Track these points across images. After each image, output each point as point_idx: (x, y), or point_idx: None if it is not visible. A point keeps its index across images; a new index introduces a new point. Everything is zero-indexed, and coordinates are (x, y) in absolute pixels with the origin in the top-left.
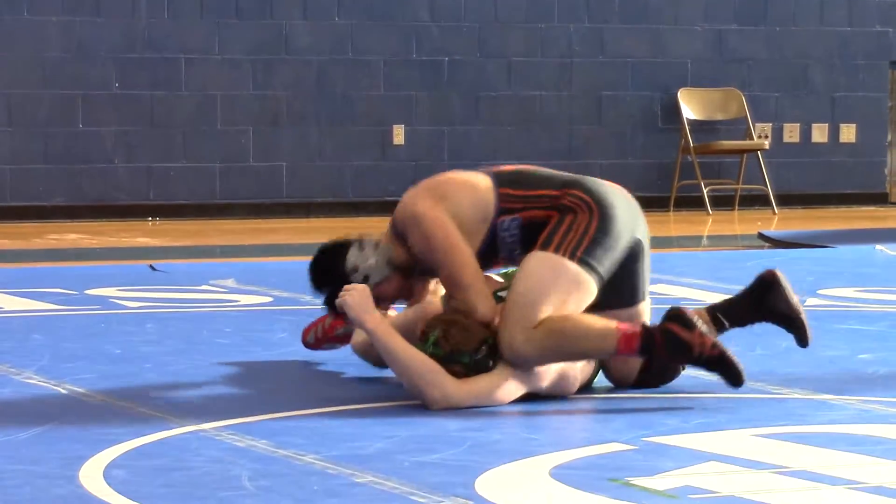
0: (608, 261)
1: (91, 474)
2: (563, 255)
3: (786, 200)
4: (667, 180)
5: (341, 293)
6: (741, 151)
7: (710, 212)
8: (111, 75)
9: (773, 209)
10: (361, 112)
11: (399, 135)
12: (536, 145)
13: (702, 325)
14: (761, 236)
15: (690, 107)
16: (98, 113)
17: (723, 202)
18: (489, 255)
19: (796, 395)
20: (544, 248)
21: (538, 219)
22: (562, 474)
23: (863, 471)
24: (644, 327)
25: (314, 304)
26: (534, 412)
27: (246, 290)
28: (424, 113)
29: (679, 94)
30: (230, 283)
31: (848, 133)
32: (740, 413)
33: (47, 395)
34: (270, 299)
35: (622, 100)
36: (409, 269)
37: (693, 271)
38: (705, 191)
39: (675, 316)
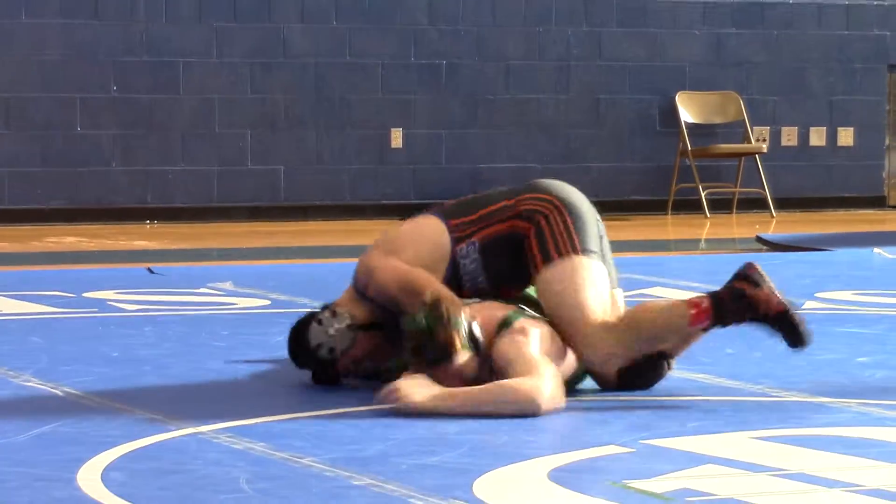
0: (595, 241)
1: (89, 477)
2: (566, 255)
3: (784, 204)
4: (665, 184)
5: (391, 396)
6: (739, 155)
7: (708, 215)
8: (109, 78)
9: (771, 212)
10: (359, 115)
11: (397, 138)
12: (534, 148)
13: (771, 283)
14: (759, 239)
15: (688, 110)
16: (96, 116)
17: (721, 205)
18: (453, 289)
19: (794, 398)
20: (547, 261)
21: (497, 234)
22: (560, 477)
23: (861, 474)
24: (711, 296)
25: (312, 307)
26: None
27: (244, 293)
28: (422, 116)
29: (677, 97)
30: (228, 285)
31: (846, 136)
32: (738, 416)
33: (45, 398)
34: (268, 302)
35: (620, 103)
36: (373, 325)
37: (691, 274)
38: (703, 194)
39: (744, 274)
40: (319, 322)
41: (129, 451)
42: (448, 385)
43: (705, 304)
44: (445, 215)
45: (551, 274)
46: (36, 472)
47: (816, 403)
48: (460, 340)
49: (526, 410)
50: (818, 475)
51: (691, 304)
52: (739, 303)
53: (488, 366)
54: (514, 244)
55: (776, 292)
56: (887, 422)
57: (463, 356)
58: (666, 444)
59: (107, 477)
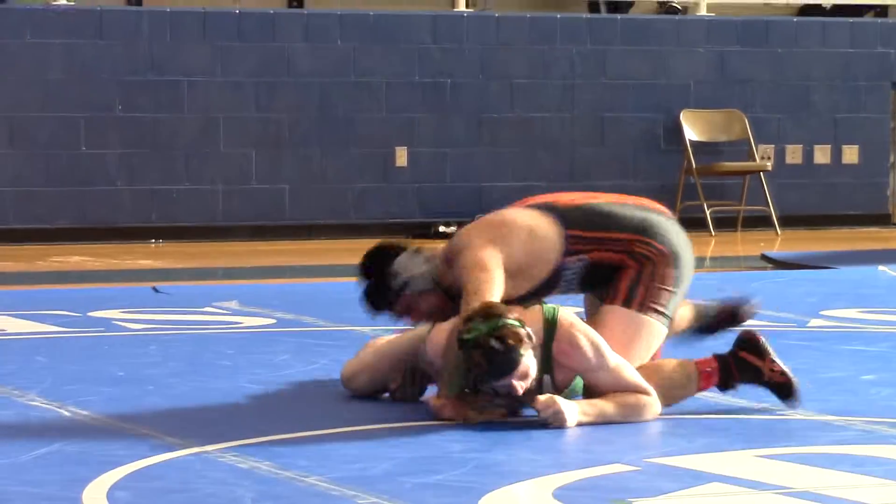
0: (676, 304)
1: (94, 496)
2: (642, 310)
3: (789, 222)
4: (669, 202)
5: (551, 411)
6: (744, 173)
7: (714, 233)
8: (114, 98)
9: (776, 230)
10: (364, 134)
11: (402, 157)
12: (539, 167)
13: (772, 351)
14: (764, 257)
15: (693, 128)
16: (101, 135)
17: (726, 223)
18: (541, 291)
19: (799, 416)
20: (627, 304)
21: (606, 261)
22: (565, 495)
23: (866, 492)
24: (719, 361)
25: (317, 326)
26: (536, 433)
27: (249, 312)
28: (427, 135)
29: (681, 115)
30: (233, 304)
31: (850, 154)
32: (743, 434)
33: (50, 417)
34: (273, 321)
35: (625, 121)
36: (448, 292)
37: (696, 293)
38: (708, 212)
39: (747, 342)
40: (415, 254)
41: (135, 471)
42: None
43: (713, 371)
44: (566, 222)
45: (621, 314)
46: (41, 491)
47: (822, 422)
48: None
49: (648, 419)
50: (823, 493)
51: (701, 370)
52: (745, 373)
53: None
54: (614, 271)
55: (777, 361)
56: (892, 440)
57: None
58: (671, 463)
59: (112, 496)
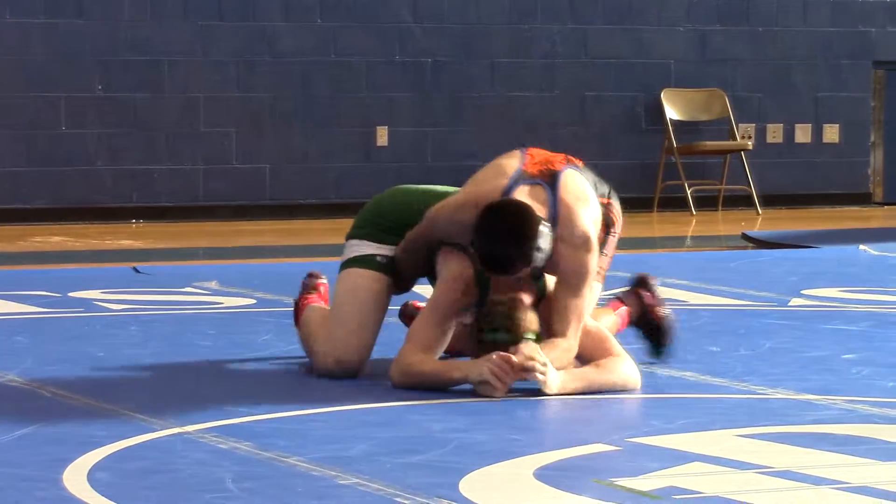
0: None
1: (75, 477)
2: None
3: (769, 201)
4: (650, 181)
5: (533, 373)
6: (725, 152)
7: (694, 212)
8: (94, 78)
9: (756, 210)
10: (345, 114)
11: (382, 136)
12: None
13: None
14: (745, 237)
15: (674, 107)
16: (81, 115)
17: (706, 203)
18: None
19: (780, 396)
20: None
21: None
22: (546, 475)
23: (847, 471)
24: (624, 301)
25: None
26: (517, 413)
27: (229, 293)
28: (408, 114)
29: (662, 94)
30: (213, 285)
31: (831, 133)
32: (724, 413)
33: (31, 398)
34: (254, 301)
35: (605, 100)
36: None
37: (677, 272)
38: (689, 191)
39: (642, 280)
40: (547, 230)
41: (115, 451)
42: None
43: (626, 312)
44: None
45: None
46: (21, 472)
47: (802, 401)
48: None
49: (633, 386)
50: (805, 472)
51: (618, 313)
52: (636, 309)
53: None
54: None
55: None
56: (874, 419)
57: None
58: (652, 442)
59: (92, 477)
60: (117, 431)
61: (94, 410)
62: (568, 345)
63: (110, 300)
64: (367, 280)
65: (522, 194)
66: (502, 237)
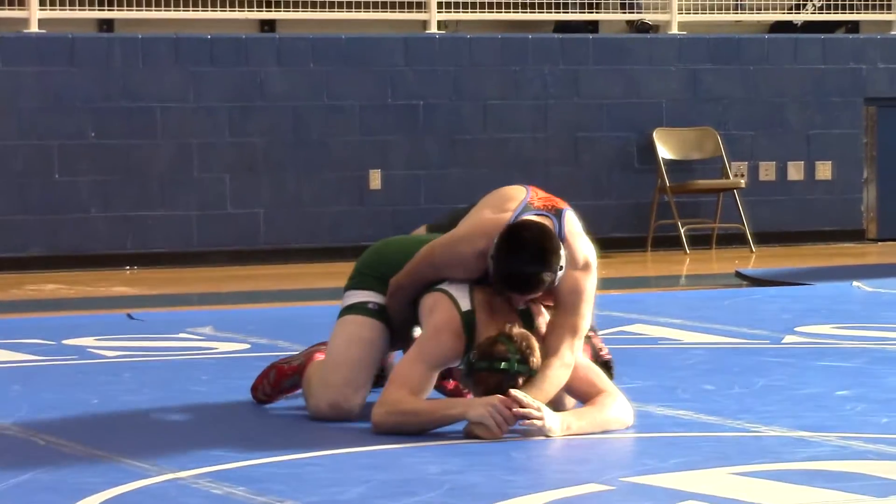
0: None
1: None
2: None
3: (763, 238)
4: (644, 220)
5: (534, 423)
6: (718, 190)
7: (688, 251)
8: (87, 125)
9: (750, 247)
10: (338, 158)
11: (375, 180)
12: None
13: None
14: (739, 275)
15: (666, 147)
16: (74, 163)
17: (700, 241)
18: None
19: (774, 433)
20: None
21: None
22: None
23: None
24: None
25: (292, 351)
26: (512, 454)
27: (223, 338)
28: (400, 157)
29: (655, 134)
30: (208, 330)
31: (824, 170)
32: (718, 451)
33: (25, 446)
34: (248, 346)
35: (598, 141)
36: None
37: (671, 310)
38: (682, 230)
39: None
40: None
41: (110, 498)
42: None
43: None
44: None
45: None
46: None
47: (796, 438)
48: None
49: (629, 422)
50: None
51: None
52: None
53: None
54: None
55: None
56: (868, 455)
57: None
58: (647, 482)
59: None
60: (112, 478)
61: (89, 457)
62: (562, 361)
63: (104, 347)
64: (359, 326)
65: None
66: (529, 254)
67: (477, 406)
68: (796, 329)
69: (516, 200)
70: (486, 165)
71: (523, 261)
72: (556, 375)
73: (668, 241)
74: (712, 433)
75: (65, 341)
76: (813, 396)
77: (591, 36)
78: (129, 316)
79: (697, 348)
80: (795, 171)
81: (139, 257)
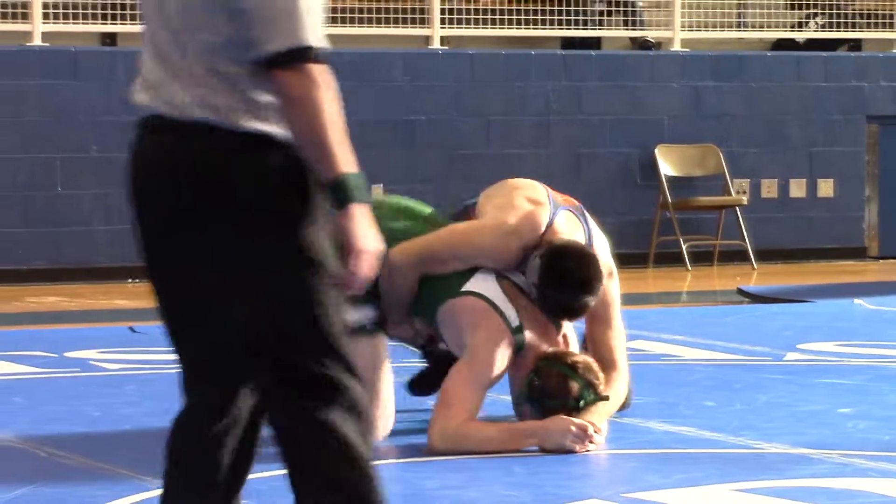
0: None
1: None
2: None
3: (765, 256)
4: (645, 237)
5: (590, 442)
6: (719, 207)
7: (690, 268)
8: (90, 138)
9: (752, 264)
10: None
11: (377, 194)
12: None
13: None
14: (740, 291)
15: (668, 163)
16: (77, 176)
17: (702, 258)
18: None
19: (776, 450)
20: None
21: None
22: None
23: None
24: None
25: None
26: (512, 469)
27: None
28: (402, 172)
29: (657, 150)
30: None
31: (826, 188)
32: (720, 468)
33: (27, 458)
34: None
35: (600, 157)
36: None
37: (672, 327)
38: (684, 247)
39: None
40: None
41: None
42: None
43: None
44: None
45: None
46: None
47: (798, 455)
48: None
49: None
50: None
51: None
52: None
53: None
54: None
55: None
56: (869, 473)
57: None
58: (648, 498)
59: None
60: (114, 491)
61: (91, 470)
62: (620, 374)
63: (106, 360)
64: (367, 358)
65: (565, 220)
66: (578, 286)
67: (554, 435)
68: (798, 346)
69: (540, 191)
70: (487, 181)
71: (572, 293)
72: (619, 391)
73: (670, 258)
74: (714, 450)
75: (67, 354)
76: (815, 414)
77: (593, 52)
78: (132, 329)
79: (699, 365)
80: (797, 189)
81: (141, 270)
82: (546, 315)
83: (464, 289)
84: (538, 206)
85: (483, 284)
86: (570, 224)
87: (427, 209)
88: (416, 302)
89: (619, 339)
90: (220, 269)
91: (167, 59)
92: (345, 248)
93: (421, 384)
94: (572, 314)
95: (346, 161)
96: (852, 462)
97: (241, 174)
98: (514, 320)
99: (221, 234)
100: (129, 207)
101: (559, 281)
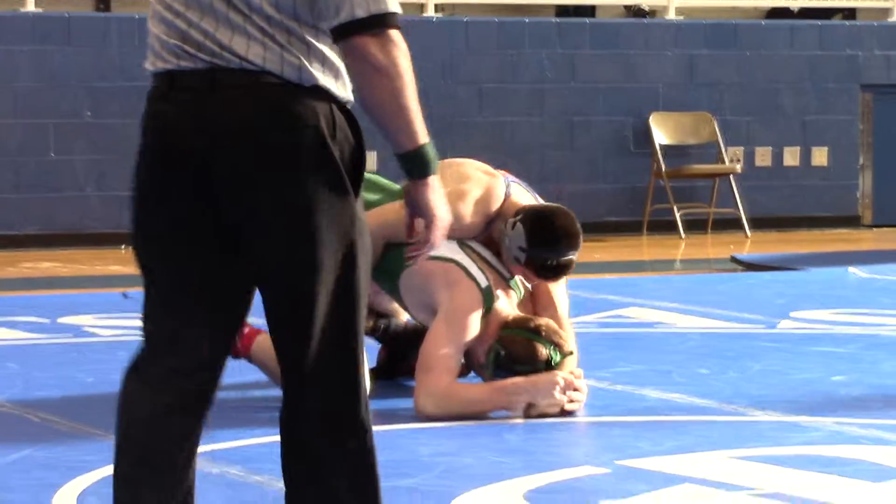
0: None
1: (64, 502)
2: None
3: (758, 224)
4: (639, 205)
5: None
6: (713, 175)
7: (683, 235)
8: (83, 104)
9: (745, 232)
10: None
11: (371, 161)
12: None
13: None
14: (734, 259)
15: (662, 131)
16: (70, 141)
17: (695, 226)
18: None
19: (769, 418)
20: None
21: None
22: (535, 498)
23: (836, 492)
24: None
25: None
26: (505, 436)
27: None
28: None
29: (651, 118)
30: None
31: (819, 156)
32: (713, 435)
33: (20, 424)
34: None
35: (594, 125)
36: None
37: (666, 295)
38: (678, 215)
39: None
40: None
41: (105, 476)
42: None
43: None
44: None
45: None
46: (11, 497)
47: (791, 422)
48: None
49: None
50: (794, 494)
51: None
52: None
53: None
54: None
55: None
56: (862, 440)
57: None
58: (641, 465)
59: (82, 502)
60: (107, 456)
61: (84, 435)
62: (570, 326)
63: (100, 326)
64: None
65: (518, 191)
66: (567, 244)
67: (544, 389)
68: (791, 314)
69: (486, 166)
70: (481, 149)
71: (561, 250)
72: (573, 338)
73: (664, 226)
74: (707, 417)
75: (60, 320)
76: (808, 381)
77: (588, 20)
78: (125, 295)
79: (692, 332)
80: (791, 157)
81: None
82: (535, 276)
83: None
84: (493, 178)
85: (448, 250)
86: (523, 195)
87: (395, 186)
88: (377, 270)
89: (564, 298)
90: (269, 236)
91: (221, 15)
92: (420, 216)
93: (380, 374)
94: (560, 271)
95: (424, 131)
96: (845, 430)
97: (307, 134)
98: (483, 281)
99: (280, 197)
100: (151, 169)
101: (548, 239)
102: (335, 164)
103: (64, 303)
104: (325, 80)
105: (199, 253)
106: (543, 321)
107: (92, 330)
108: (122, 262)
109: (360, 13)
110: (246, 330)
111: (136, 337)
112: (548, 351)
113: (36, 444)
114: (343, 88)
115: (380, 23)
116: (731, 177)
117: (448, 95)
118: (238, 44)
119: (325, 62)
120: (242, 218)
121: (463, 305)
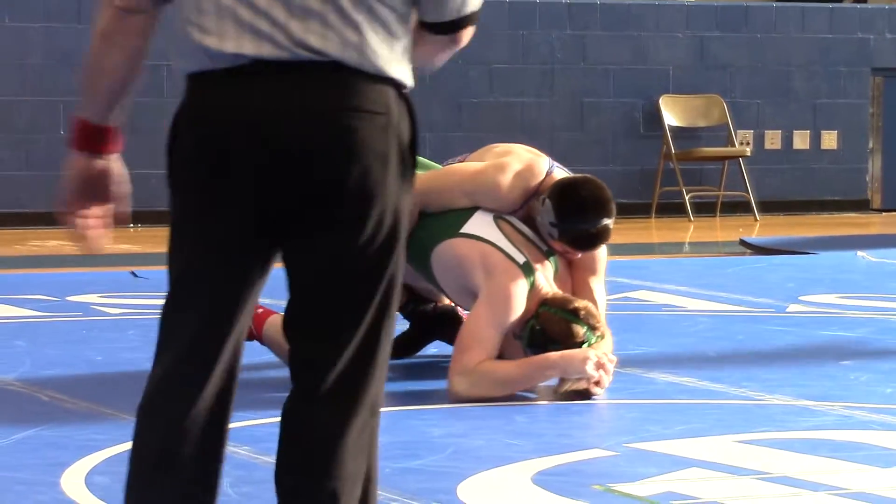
0: None
1: (73, 480)
2: None
3: (767, 207)
4: (649, 187)
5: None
6: (723, 158)
7: (692, 218)
8: None
9: (754, 216)
10: None
11: None
12: None
13: None
14: (743, 243)
15: (672, 114)
16: None
17: (705, 209)
18: None
19: (778, 401)
20: None
21: None
22: (544, 480)
23: (845, 477)
24: None
25: None
26: (515, 418)
27: None
28: None
29: (661, 100)
30: None
31: (830, 140)
32: (722, 419)
33: (29, 402)
34: None
35: (604, 107)
36: None
37: (675, 278)
38: (687, 197)
39: None
40: None
41: (113, 455)
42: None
43: None
44: None
45: None
46: (20, 476)
47: (800, 406)
48: None
49: None
50: (802, 478)
51: None
52: None
53: None
54: None
55: None
56: (871, 425)
57: None
58: (650, 448)
59: (91, 480)
60: (115, 435)
61: (93, 414)
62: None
63: (108, 304)
64: None
65: (561, 172)
66: (599, 211)
67: (577, 364)
68: (800, 298)
69: (531, 149)
70: (491, 129)
71: (593, 218)
72: (609, 334)
73: (673, 208)
74: (716, 400)
75: (69, 298)
76: (817, 365)
77: (598, 1)
78: (133, 273)
79: (702, 316)
80: (801, 141)
81: (144, 215)
82: (572, 248)
83: (463, 230)
84: (536, 156)
85: (483, 226)
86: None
87: (429, 162)
88: (409, 244)
89: (602, 293)
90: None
91: (303, 4)
92: None
93: (398, 347)
94: (595, 240)
95: None
96: (854, 414)
97: (391, 128)
98: (521, 258)
99: (369, 194)
100: (214, 168)
101: (576, 209)
102: (413, 163)
103: (72, 281)
104: (401, 69)
105: (247, 258)
106: (583, 304)
107: (101, 308)
108: (131, 241)
109: (473, 7)
110: (259, 311)
111: (145, 315)
112: (584, 333)
113: (44, 423)
114: (410, 75)
115: (477, 13)
116: (741, 160)
117: (459, 75)
118: (314, 32)
119: (404, 51)
120: (316, 210)
121: (505, 287)
